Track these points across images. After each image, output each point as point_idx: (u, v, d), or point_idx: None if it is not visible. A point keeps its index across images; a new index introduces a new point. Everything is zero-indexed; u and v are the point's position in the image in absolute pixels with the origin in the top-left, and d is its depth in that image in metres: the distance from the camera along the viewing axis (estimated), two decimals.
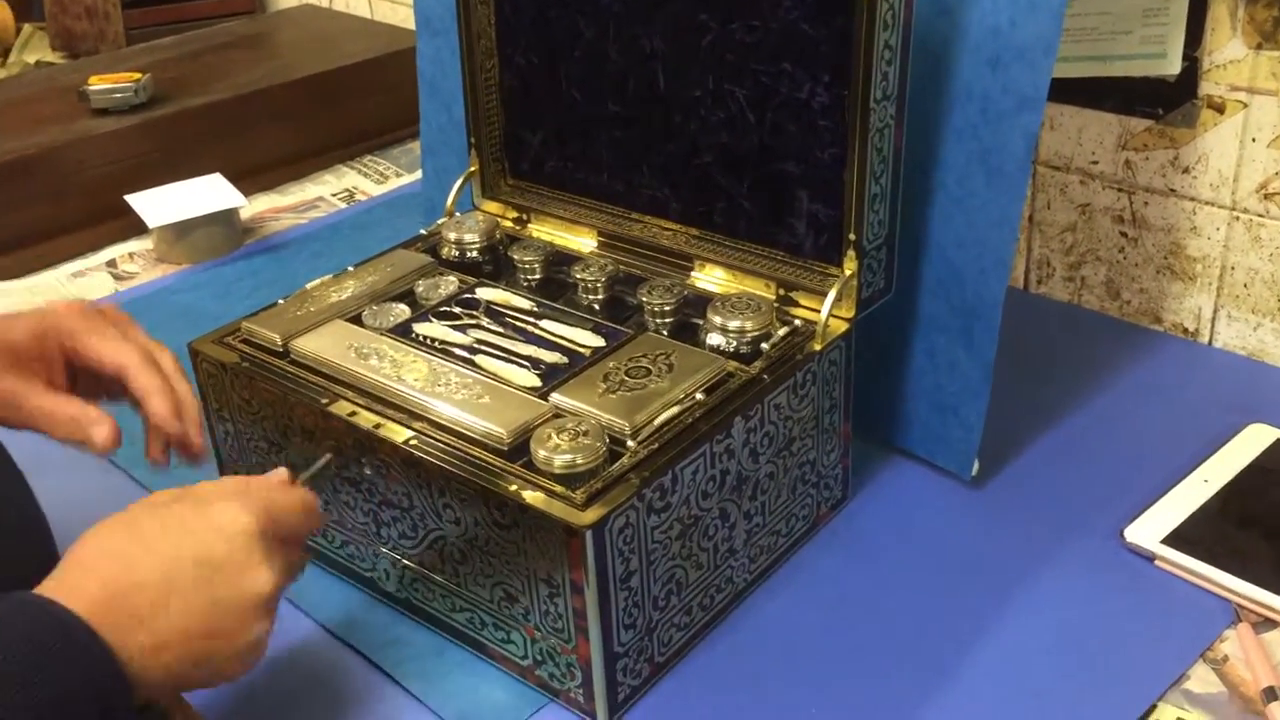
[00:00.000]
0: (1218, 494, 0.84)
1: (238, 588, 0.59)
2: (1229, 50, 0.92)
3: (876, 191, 0.78)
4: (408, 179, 1.47)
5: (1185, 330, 1.05)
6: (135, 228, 1.34)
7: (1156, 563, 0.80)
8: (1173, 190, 1.00)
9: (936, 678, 0.73)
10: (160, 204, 1.29)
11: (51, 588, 0.56)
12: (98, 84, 1.37)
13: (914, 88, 0.78)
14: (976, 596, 0.79)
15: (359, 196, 1.43)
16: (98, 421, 0.72)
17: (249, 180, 1.39)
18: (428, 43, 1.24)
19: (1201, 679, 0.71)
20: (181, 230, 1.28)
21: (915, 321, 0.88)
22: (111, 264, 1.30)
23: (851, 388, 0.83)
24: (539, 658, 0.72)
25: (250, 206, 1.38)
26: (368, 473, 0.75)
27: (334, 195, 1.44)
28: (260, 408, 0.80)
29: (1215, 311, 1.02)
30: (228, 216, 1.30)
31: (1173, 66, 0.93)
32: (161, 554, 0.58)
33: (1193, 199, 0.99)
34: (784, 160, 0.82)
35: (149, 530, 0.59)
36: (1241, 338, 1.01)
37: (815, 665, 0.75)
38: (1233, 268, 0.99)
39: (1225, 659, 0.73)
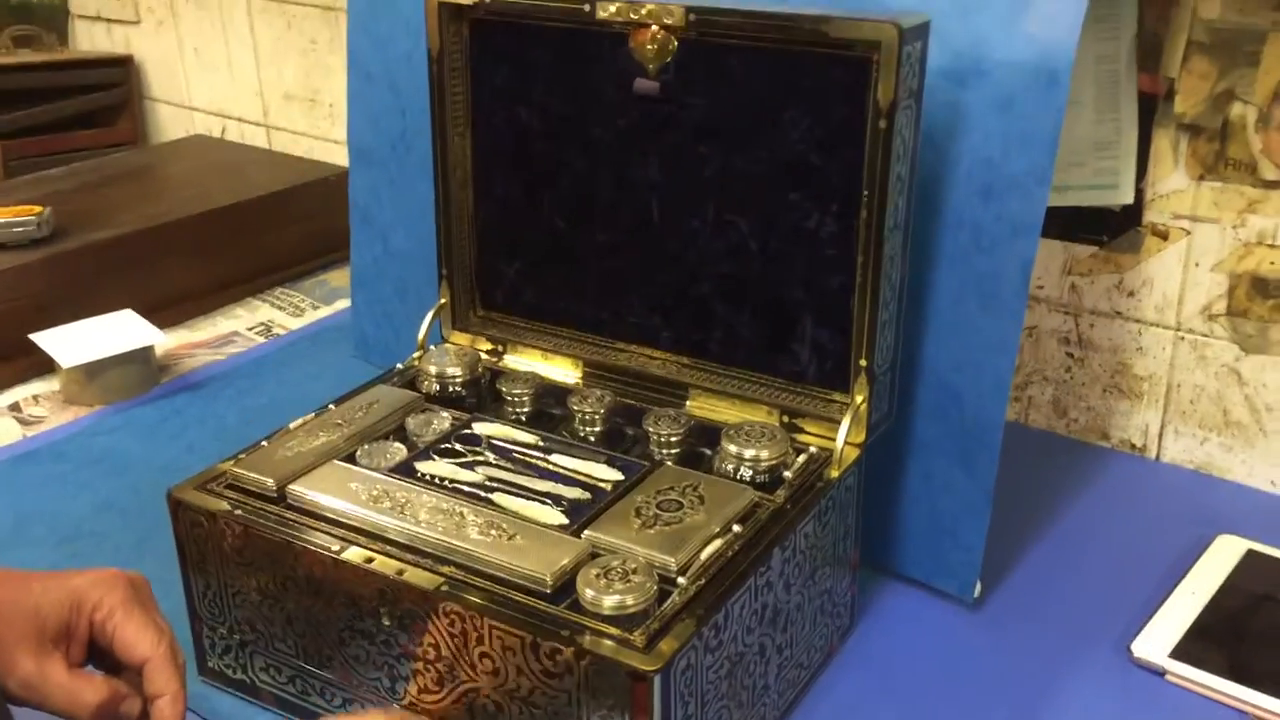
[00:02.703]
0: (1208, 606, 0.86)
1: None
2: (1172, 181, 0.98)
3: (886, 318, 0.79)
4: (325, 311, 1.42)
5: (1133, 446, 1.08)
6: (38, 368, 1.25)
7: (1167, 677, 0.81)
8: (1118, 312, 1.05)
9: None
10: (70, 343, 1.21)
11: None
12: None
13: None
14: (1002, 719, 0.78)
15: (277, 330, 1.38)
16: (130, 697, 0.69)
17: (157, 315, 1.32)
18: (362, 174, 1.22)
19: None
20: (94, 370, 1.20)
21: (909, 445, 0.88)
22: (15, 408, 1.21)
23: (861, 515, 0.83)
24: None
25: (161, 344, 1.31)
26: (386, 624, 0.71)
27: (249, 329, 1.38)
28: (254, 558, 0.75)
29: (1163, 427, 1.06)
30: (144, 355, 1.23)
31: (1126, 196, 0.99)
32: None
33: (1138, 320, 1.04)
34: (788, 288, 0.82)
35: None
36: (1189, 452, 1.05)
37: None
38: (1179, 385, 1.04)
39: None
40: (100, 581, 0.70)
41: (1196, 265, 0.99)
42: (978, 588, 0.87)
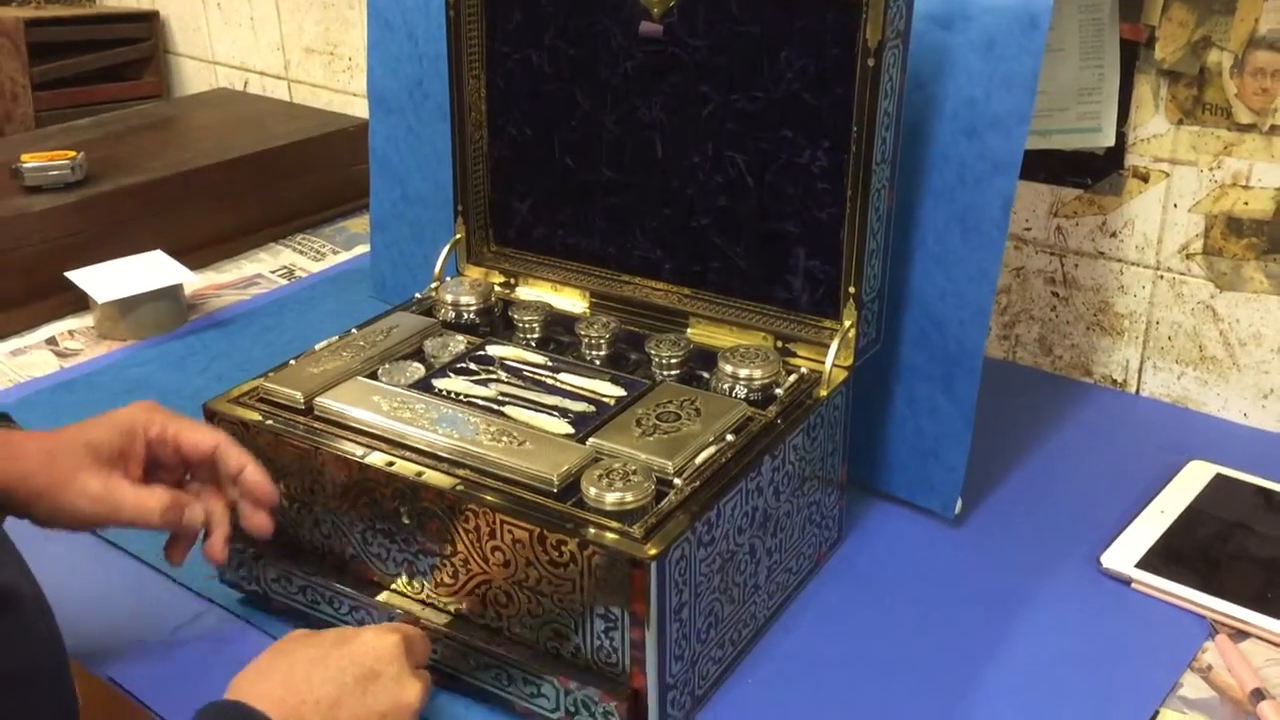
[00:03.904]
0: (1175, 523, 0.92)
1: (395, 698, 0.68)
2: (1152, 125, 1.03)
3: (874, 247, 0.85)
4: (345, 256, 1.48)
5: (1114, 381, 1.14)
6: (72, 304, 1.32)
7: (1133, 585, 0.87)
8: (1101, 253, 1.10)
9: (954, 699, 0.78)
10: (104, 280, 1.27)
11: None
12: (31, 161, 1.35)
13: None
14: (978, 623, 0.84)
15: (299, 273, 1.44)
16: (193, 503, 0.77)
17: (185, 258, 1.38)
18: (381, 121, 1.27)
19: (1193, 686, 0.78)
20: (127, 306, 1.26)
21: (895, 371, 0.94)
22: (51, 341, 1.28)
23: (848, 433, 0.88)
24: (571, 709, 0.73)
25: (190, 284, 1.37)
26: (405, 522, 0.77)
27: (272, 272, 1.44)
28: (285, 464, 0.81)
29: (1142, 363, 1.11)
30: (173, 292, 1.30)
31: (1107, 139, 1.04)
32: (328, 675, 0.66)
33: (1120, 260, 1.09)
34: (782, 220, 0.88)
35: (310, 657, 0.67)
36: (1167, 386, 1.11)
37: (839, 695, 0.78)
38: (1158, 322, 1.09)
39: (1209, 668, 0.80)
40: (144, 407, 0.79)
41: (1175, 206, 1.04)
42: (958, 505, 0.93)
